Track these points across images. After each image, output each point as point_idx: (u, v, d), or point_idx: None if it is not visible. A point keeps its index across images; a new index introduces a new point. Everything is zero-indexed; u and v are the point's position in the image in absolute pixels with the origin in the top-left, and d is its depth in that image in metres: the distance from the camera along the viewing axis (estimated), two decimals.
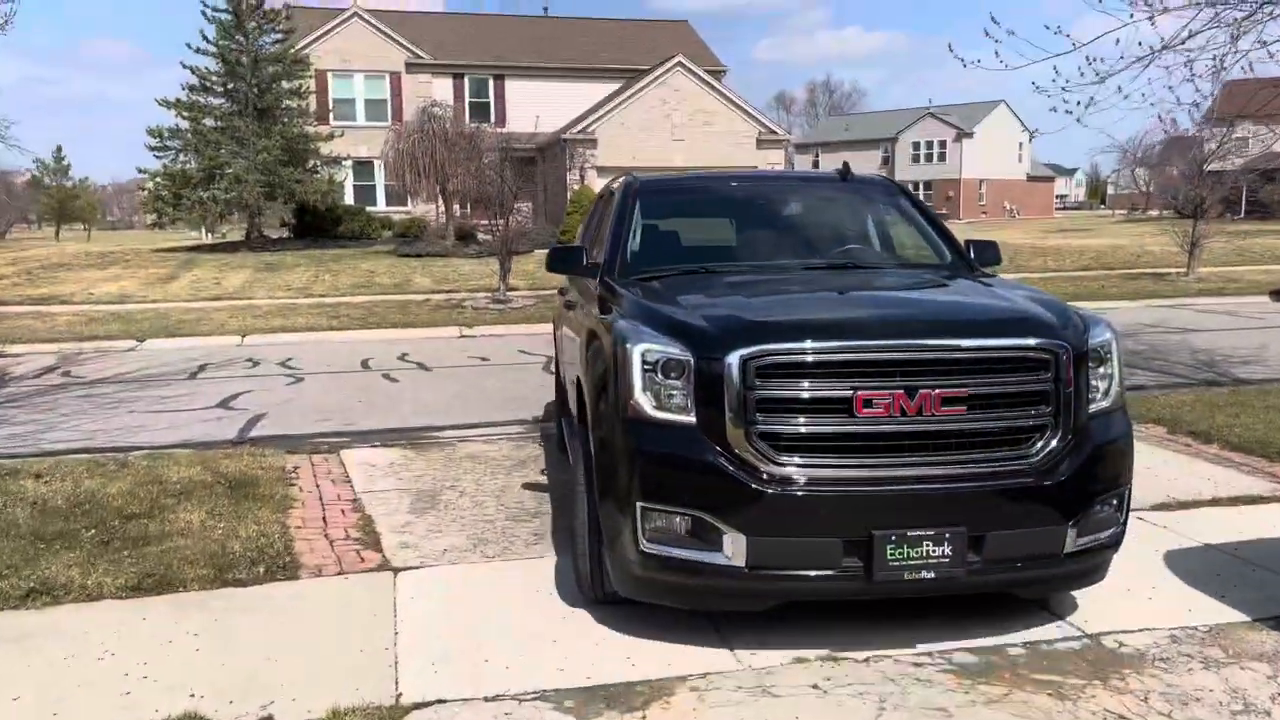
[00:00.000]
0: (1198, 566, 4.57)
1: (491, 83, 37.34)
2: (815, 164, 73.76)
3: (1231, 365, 11.02)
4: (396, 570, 4.81)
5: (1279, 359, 11.43)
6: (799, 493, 3.45)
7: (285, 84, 30.79)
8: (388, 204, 35.46)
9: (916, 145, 72.13)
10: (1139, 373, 10.59)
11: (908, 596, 3.76)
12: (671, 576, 3.62)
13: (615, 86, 35.05)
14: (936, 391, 3.46)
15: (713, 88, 32.98)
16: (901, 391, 3.45)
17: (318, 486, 6.40)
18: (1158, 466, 6.49)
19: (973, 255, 5.14)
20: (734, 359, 3.48)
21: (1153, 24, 6.78)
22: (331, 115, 35.05)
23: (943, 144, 70.81)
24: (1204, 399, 8.35)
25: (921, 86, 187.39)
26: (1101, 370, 3.82)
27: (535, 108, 32.17)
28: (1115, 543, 3.87)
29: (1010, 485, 3.55)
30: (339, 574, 4.77)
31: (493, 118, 35.21)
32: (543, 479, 6.56)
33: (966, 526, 3.47)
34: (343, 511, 5.83)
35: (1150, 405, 8.19)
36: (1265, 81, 8.18)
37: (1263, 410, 7.74)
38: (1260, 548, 4.79)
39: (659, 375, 3.59)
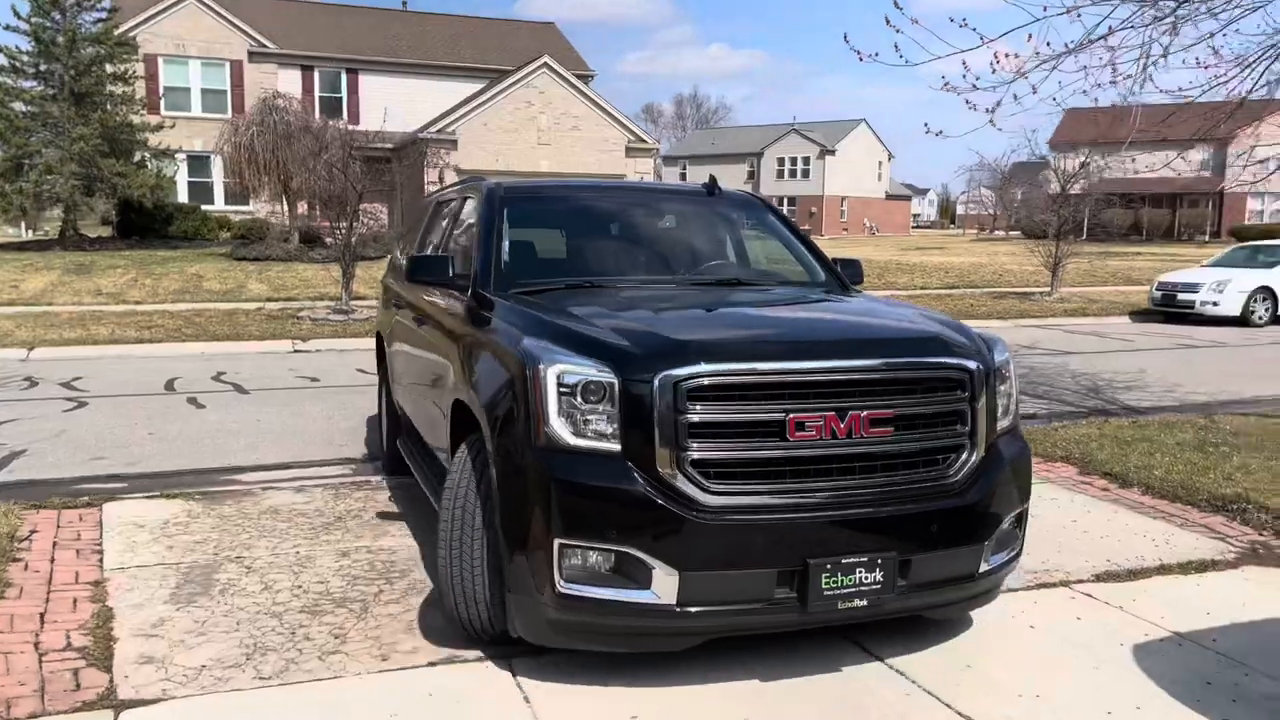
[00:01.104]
0: (1179, 670, 3.65)
1: (344, 77, 35.03)
2: (683, 176, 73.80)
3: (1116, 391, 10.59)
4: (121, 706, 3.39)
5: (1159, 384, 11.10)
6: (733, 523, 3.24)
7: (108, 67, 27.83)
8: (227, 203, 32.74)
9: (781, 161, 73.03)
10: (1027, 400, 9.97)
11: (838, 625, 3.62)
12: (592, 618, 3.33)
13: (478, 87, 33.49)
14: (865, 413, 3.36)
15: (581, 92, 31.86)
16: (833, 413, 3.32)
17: (52, 561, 4.85)
18: (1083, 518, 5.66)
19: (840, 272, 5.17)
20: (665, 381, 3.24)
21: (1078, 17, 6.00)
22: (163, 104, 32.14)
23: (806, 160, 71.92)
24: (1109, 433, 7.69)
25: (785, 105, 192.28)
26: (1003, 389, 3.78)
27: (392, 105, 30.18)
28: (1016, 559, 3.87)
29: (935, 506, 3.47)
30: (32, 716, 3.32)
31: (345, 114, 32.93)
32: (362, 543, 5.20)
33: (897, 551, 3.37)
34: (75, 602, 4.33)
35: (1054, 439, 7.46)
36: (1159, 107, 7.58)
37: (1175, 448, 7.08)
38: (1243, 638, 3.92)
39: (578, 399, 3.30)
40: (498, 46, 38.01)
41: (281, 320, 15.66)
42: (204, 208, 31.38)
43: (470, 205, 5.16)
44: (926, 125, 7.07)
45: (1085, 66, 6.33)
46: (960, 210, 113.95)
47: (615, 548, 3.24)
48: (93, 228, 31.86)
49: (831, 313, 4.41)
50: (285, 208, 26.99)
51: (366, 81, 34.85)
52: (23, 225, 46.14)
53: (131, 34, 30.02)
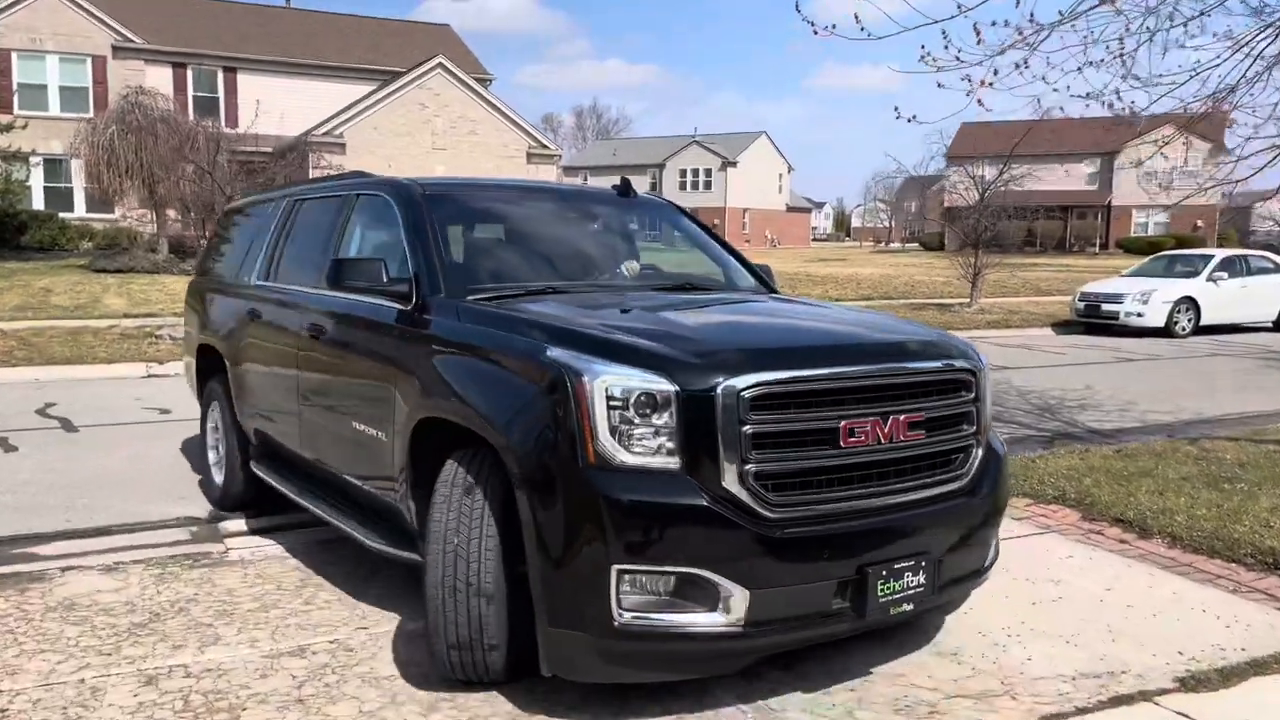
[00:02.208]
0: None
1: (221, 76, 32.50)
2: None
3: (1072, 411, 9.74)
4: None
5: (1111, 402, 10.32)
6: (798, 536, 3.14)
7: None
8: (89, 210, 29.90)
9: (684, 173, 72.52)
10: None
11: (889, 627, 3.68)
12: (650, 647, 3.09)
13: (368, 89, 31.57)
14: (903, 416, 3.36)
15: (479, 95, 30.32)
16: (878, 418, 3.31)
17: None
18: (1117, 586, 4.56)
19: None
20: (728, 390, 3.08)
21: None
22: (16, 102, 29.24)
23: (708, 172, 71.58)
24: (1097, 465, 6.69)
25: (683, 119, 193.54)
26: (987, 389, 3.81)
27: (275, 107, 28.06)
28: (998, 554, 3.93)
29: (957, 505, 3.54)
30: None
31: (223, 116, 30.50)
32: (180, 659, 3.72)
33: (934, 551, 3.40)
34: None
35: (1038, 474, 6.43)
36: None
37: (1183, 485, 6.10)
38: None
39: (630, 412, 3.06)
40: (390, 48, 36.07)
41: (137, 340, 13.72)
42: (62, 215, 28.64)
43: (375, 206, 4.72)
44: (897, 110, 6.00)
45: (1086, 39, 5.31)
46: (856, 223, 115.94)
47: (681, 570, 3.05)
48: None
49: (832, 320, 4.17)
50: (154, 215, 24.66)
51: (246, 81, 32.42)
52: None
53: None
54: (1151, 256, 21.36)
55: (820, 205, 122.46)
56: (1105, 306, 17.42)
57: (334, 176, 5.76)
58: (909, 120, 6.26)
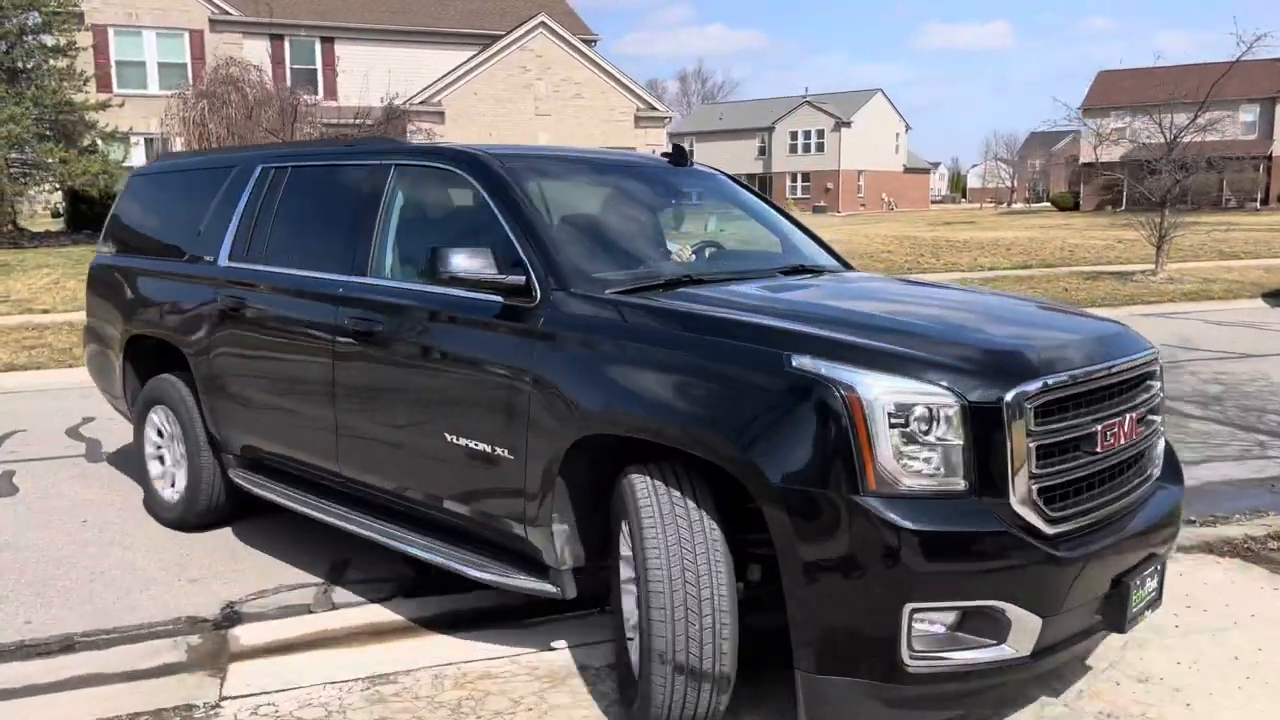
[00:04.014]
0: None
1: (319, 46, 31.37)
2: (690, 153, 70.40)
3: None
4: None
5: None
6: (1078, 553, 2.86)
7: (46, 39, 24.60)
8: None
9: (794, 135, 69.37)
10: (1241, 436, 6.66)
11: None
12: (936, 689, 2.80)
13: (467, 54, 30.01)
14: (1134, 413, 3.16)
15: (584, 55, 28.39)
16: (1120, 418, 3.08)
17: None
18: None
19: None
20: (1018, 398, 2.76)
21: None
22: (115, 80, 28.72)
23: (820, 134, 68.26)
24: None
25: (786, 83, 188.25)
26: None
27: (373, 77, 26.73)
28: None
29: (1165, 503, 3.33)
30: None
31: (320, 88, 29.45)
32: None
33: (1161, 552, 3.23)
34: None
35: None
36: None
37: None
38: None
39: (912, 428, 2.71)
40: (489, 11, 34.38)
41: None
42: None
43: (436, 179, 4.24)
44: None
45: None
46: (974, 184, 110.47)
47: (977, 604, 2.72)
48: (45, 221, 28.74)
49: (1032, 307, 3.87)
50: None
51: (344, 51, 31.18)
52: None
53: (74, 2, 26.60)
54: None
55: (935, 165, 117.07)
56: None
57: (345, 140, 5.17)
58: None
